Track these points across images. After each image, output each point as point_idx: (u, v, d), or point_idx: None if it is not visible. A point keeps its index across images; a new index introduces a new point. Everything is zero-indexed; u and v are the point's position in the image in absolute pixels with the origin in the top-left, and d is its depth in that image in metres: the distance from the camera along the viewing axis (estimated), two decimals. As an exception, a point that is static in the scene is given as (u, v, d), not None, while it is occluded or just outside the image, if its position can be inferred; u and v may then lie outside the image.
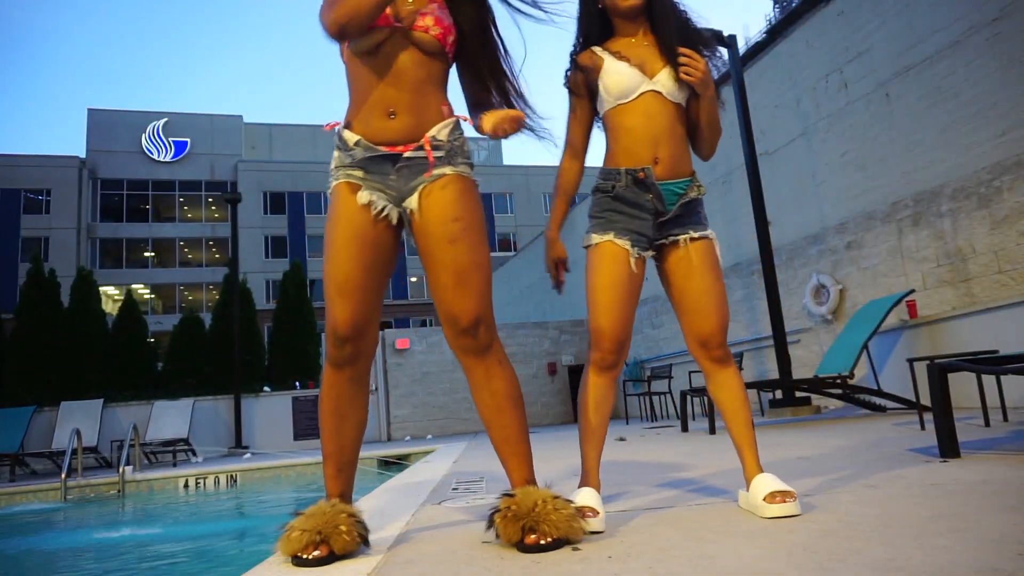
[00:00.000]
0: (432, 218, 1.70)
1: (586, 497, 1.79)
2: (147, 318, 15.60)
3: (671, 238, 1.95)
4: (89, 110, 36.79)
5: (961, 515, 1.54)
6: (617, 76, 1.94)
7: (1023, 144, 5.52)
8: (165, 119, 37.58)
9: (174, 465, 9.33)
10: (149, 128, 37.17)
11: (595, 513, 1.73)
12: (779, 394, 6.99)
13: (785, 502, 1.68)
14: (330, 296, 1.67)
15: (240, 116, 39.68)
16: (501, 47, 1.88)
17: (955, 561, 1.17)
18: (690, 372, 8.80)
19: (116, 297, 30.64)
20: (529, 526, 1.52)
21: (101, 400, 10.75)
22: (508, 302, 19.23)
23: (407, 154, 1.71)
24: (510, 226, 40.29)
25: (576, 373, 12.92)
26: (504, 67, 1.87)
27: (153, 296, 37.62)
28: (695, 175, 1.99)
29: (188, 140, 37.59)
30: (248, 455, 10.05)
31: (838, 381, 5.56)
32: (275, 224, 36.92)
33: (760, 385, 6.01)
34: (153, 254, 38.03)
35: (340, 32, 1.64)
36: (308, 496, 5.45)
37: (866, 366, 6.41)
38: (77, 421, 9.92)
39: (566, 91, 2.09)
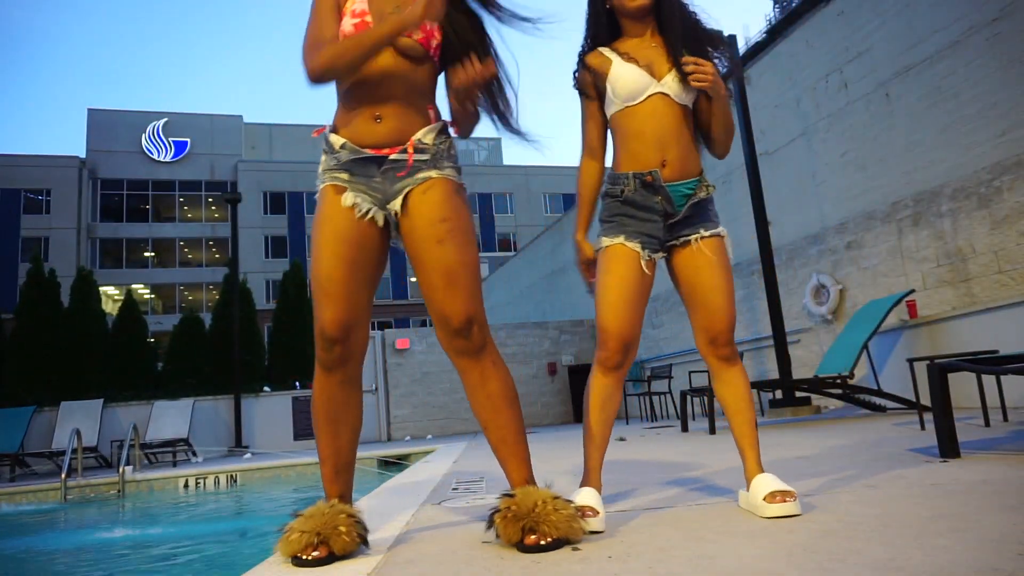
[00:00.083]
0: (419, 220, 1.71)
1: (586, 497, 1.79)
2: (147, 318, 15.59)
3: (682, 239, 1.96)
4: (89, 110, 36.81)
5: (961, 515, 1.54)
6: (625, 79, 1.94)
7: (1023, 144, 5.52)
8: (165, 119, 37.58)
9: (174, 465, 9.33)
10: (149, 128, 37.18)
11: (595, 513, 1.73)
12: (779, 394, 6.99)
13: (785, 502, 1.68)
14: (316, 297, 1.67)
15: (240, 116, 39.70)
16: (492, 53, 1.87)
17: (955, 561, 1.17)
18: (690, 372, 8.80)
19: (116, 297, 30.63)
20: (529, 526, 1.52)
21: (101, 400, 10.74)
22: (508, 302, 19.23)
23: (392, 156, 1.72)
24: (510, 226, 40.30)
25: (576, 373, 12.92)
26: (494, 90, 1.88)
27: (153, 296, 37.63)
28: (703, 174, 1.99)
29: (188, 140, 37.59)
30: (248, 455, 10.05)
31: (838, 381, 5.56)
32: (275, 224, 36.93)
33: (760, 385, 6.01)
34: (153, 254, 38.03)
35: (320, 78, 1.66)
36: (308, 496, 5.45)
37: (866, 366, 6.41)
38: (77, 421, 9.92)
39: (577, 93, 2.09)
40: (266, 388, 12.24)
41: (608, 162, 2.08)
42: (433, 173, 1.74)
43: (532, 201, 40.90)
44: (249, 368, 12.60)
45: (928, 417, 4.04)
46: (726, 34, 7.97)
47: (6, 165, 32.94)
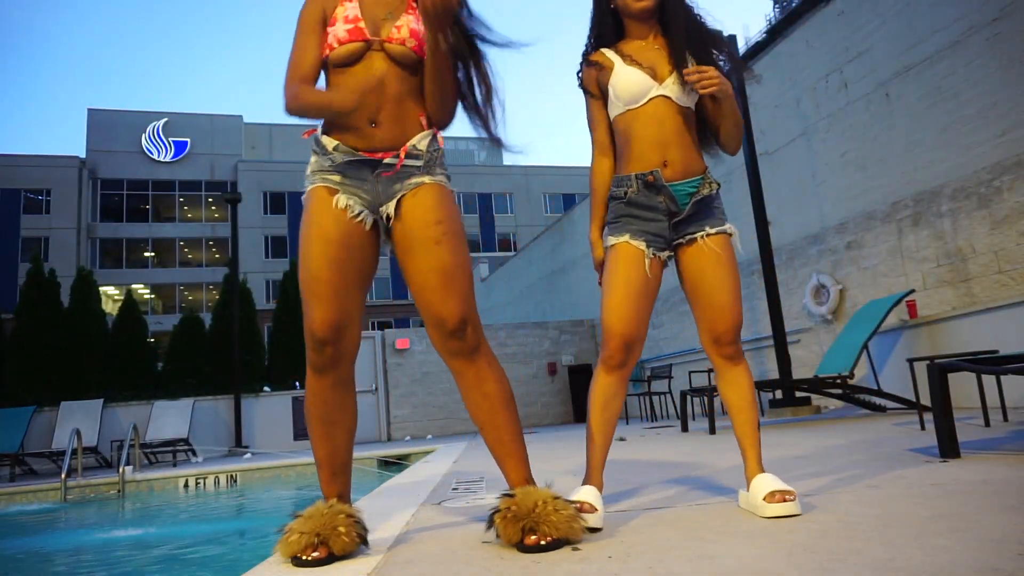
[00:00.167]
0: (415, 222, 1.72)
1: (585, 494, 1.80)
2: (147, 318, 15.59)
3: (688, 237, 1.96)
4: (89, 110, 36.80)
5: (961, 515, 1.54)
6: (626, 82, 1.94)
7: (1023, 144, 5.52)
8: (165, 119, 37.58)
9: (174, 465, 9.33)
10: (149, 128, 37.17)
11: (592, 509, 1.74)
12: (779, 394, 6.99)
13: (785, 501, 1.68)
14: (305, 299, 1.67)
15: (240, 116, 39.69)
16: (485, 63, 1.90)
17: (955, 561, 1.17)
18: (690, 372, 8.80)
19: (116, 297, 30.63)
20: (529, 527, 1.52)
21: (101, 400, 10.75)
22: (508, 302, 19.22)
23: (387, 160, 1.73)
24: (510, 226, 40.29)
25: (576, 373, 12.92)
26: (475, 84, 1.89)
27: (153, 296, 37.63)
28: (707, 172, 1.99)
29: (188, 140, 37.59)
30: (248, 455, 10.05)
31: (838, 381, 5.56)
32: (275, 224, 36.92)
33: (760, 385, 6.00)
34: (153, 254, 38.03)
35: (294, 115, 1.73)
36: (309, 496, 5.45)
37: (866, 366, 6.41)
38: (77, 421, 9.92)
39: (581, 92, 2.09)
40: (266, 388, 12.25)
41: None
42: (426, 179, 1.75)
43: (532, 201, 40.89)
44: (249, 368, 12.60)
45: (928, 417, 4.04)
46: (726, 34, 7.98)
47: (6, 165, 32.93)
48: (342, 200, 1.71)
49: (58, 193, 34.13)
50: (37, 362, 12.16)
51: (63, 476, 6.70)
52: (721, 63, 1.98)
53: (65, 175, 34.45)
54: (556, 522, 1.52)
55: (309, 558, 1.52)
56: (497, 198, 40.57)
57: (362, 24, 1.74)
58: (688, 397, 6.61)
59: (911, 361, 4.04)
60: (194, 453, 10.40)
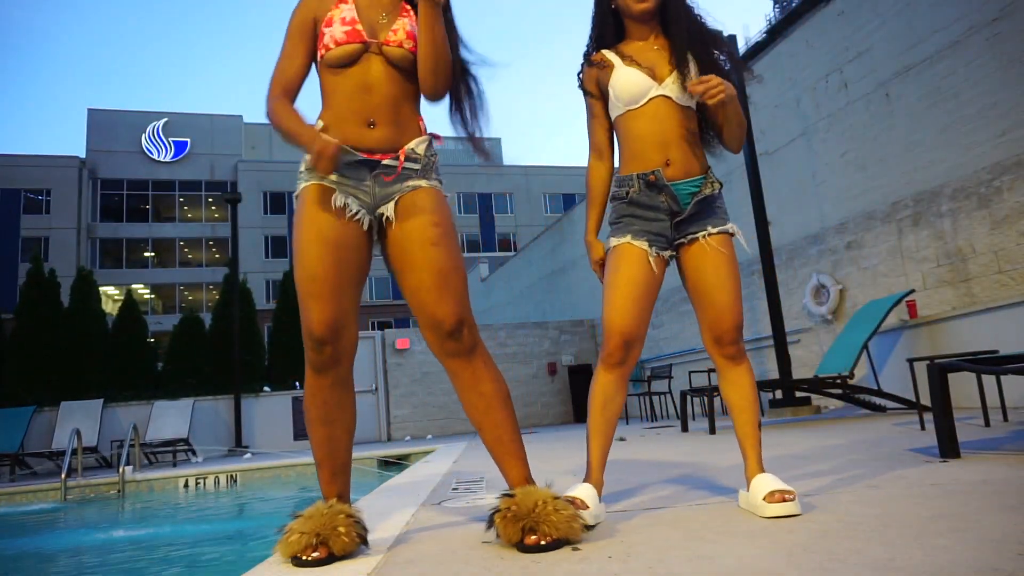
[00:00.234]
0: (412, 223, 1.72)
1: (580, 491, 1.81)
2: (147, 318, 15.58)
3: (690, 236, 1.96)
4: (89, 110, 36.80)
5: (961, 515, 1.54)
6: (626, 83, 1.95)
7: (1023, 144, 5.52)
8: (165, 119, 37.57)
9: (174, 465, 9.32)
10: (149, 128, 37.17)
11: (585, 506, 1.75)
12: (779, 394, 6.99)
13: (785, 501, 1.69)
14: (302, 299, 1.67)
15: (240, 116, 39.68)
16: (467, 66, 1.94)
17: (955, 561, 1.17)
18: (690, 372, 8.79)
19: (116, 297, 30.63)
20: (529, 526, 1.52)
21: (101, 400, 10.74)
22: (508, 302, 19.21)
23: (385, 162, 1.74)
24: (510, 226, 40.29)
25: (576, 373, 12.92)
26: (462, 89, 1.91)
27: (153, 296, 37.63)
28: (709, 171, 1.99)
29: (188, 140, 37.59)
30: (248, 455, 10.05)
31: (838, 381, 5.56)
32: (275, 224, 36.92)
33: (760, 385, 6.01)
34: (153, 254, 38.03)
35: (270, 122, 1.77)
36: (309, 496, 5.45)
37: (866, 366, 6.41)
38: (77, 421, 9.92)
39: (581, 93, 2.09)
40: (266, 388, 12.25)
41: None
42: (423, 183, 1.77)
43: (532, 201, 40.89)
44: (249, 368, 12.60)
45: (928, 417, 4.04)
46: (726, 34, 8.00)
47: (6, 165, 32.92)
48: (340, 199, 1.71)
49: (58, 193, 34.12)
50: (37, 362, 12.16)
51: (63, 476, 6.69)
52: (722, 63, 1.99)
53: (65, 175, 34.45)
54: (556, 522, 1.52)
55: (309, 558, 1.52)
56: (497, 198, 40.56)
57: (360, 26, 1.75)
58: (688, 397, 6.61)
59: (911, 361, 4.04)
60: (194, 453, 10.40)
